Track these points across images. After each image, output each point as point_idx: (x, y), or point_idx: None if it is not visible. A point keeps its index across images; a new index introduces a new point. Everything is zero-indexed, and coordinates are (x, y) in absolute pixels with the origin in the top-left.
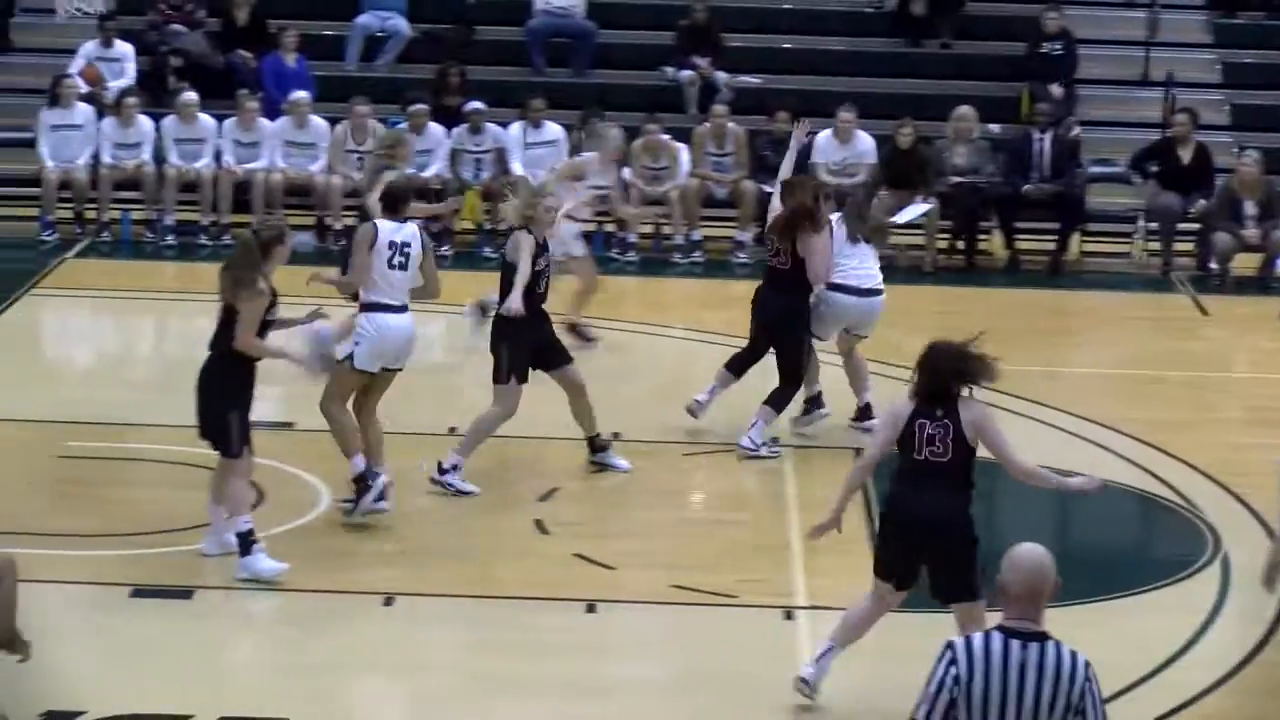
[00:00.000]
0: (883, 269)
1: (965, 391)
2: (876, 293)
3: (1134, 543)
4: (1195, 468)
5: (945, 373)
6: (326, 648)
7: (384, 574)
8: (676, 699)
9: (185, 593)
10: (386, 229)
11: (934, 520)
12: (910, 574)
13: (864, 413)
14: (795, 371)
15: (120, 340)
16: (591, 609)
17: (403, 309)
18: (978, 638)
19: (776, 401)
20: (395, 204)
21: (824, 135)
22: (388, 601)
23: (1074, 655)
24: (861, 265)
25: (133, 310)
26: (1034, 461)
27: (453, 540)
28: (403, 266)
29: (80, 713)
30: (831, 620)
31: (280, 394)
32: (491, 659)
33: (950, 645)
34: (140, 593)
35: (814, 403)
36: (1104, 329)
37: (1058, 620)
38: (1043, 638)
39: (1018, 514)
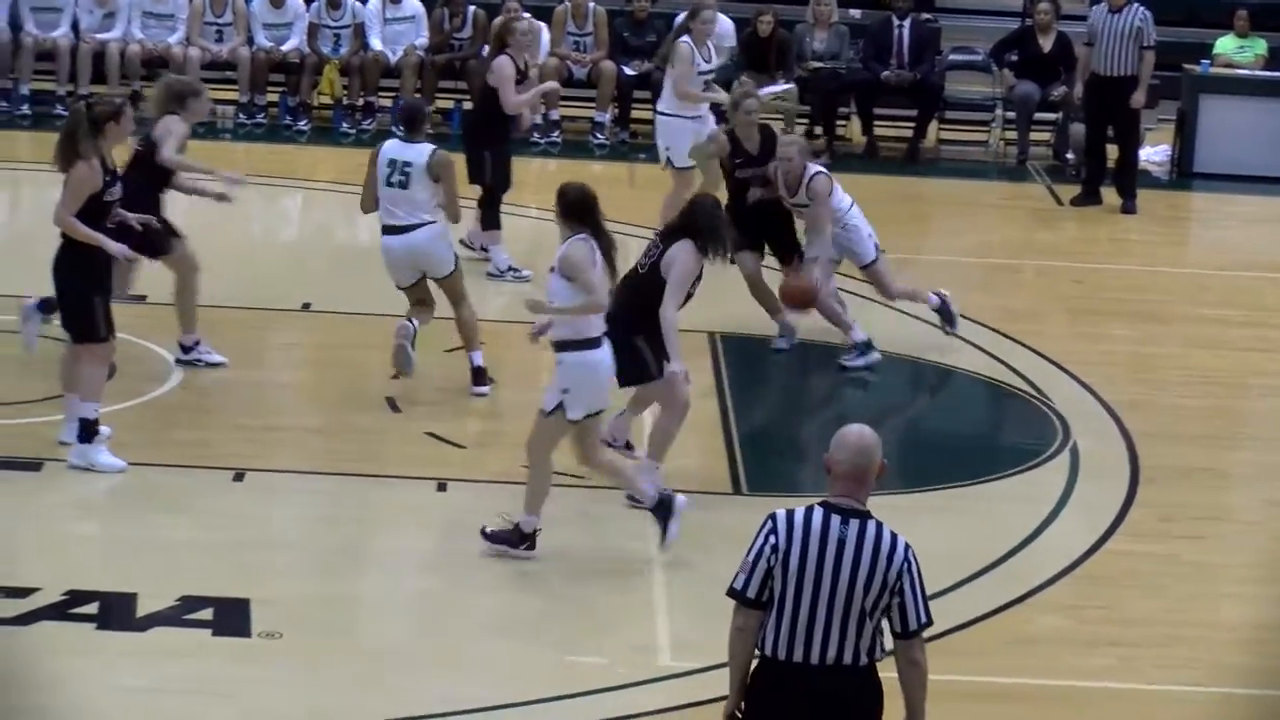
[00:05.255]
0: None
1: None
2: None
3: (984, 431)
4: (1046, 357)
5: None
6: (175, 522)
7: (235, 449)
8: (528, 576)
9: (34, 465)
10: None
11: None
12: None
13: None
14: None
15: None
16: (442, 488)
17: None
18: (799, 511)
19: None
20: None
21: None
22: (238, 477)
23: (894, 536)
24: None
25: None
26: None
27: (304, 417)
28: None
29: None
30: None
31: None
32: (341, 535)
33: (772, 516)
34: None
35: None
36: (959, 217)
37: (907, 506)
38: (865, 516)
39: (871, 399)
